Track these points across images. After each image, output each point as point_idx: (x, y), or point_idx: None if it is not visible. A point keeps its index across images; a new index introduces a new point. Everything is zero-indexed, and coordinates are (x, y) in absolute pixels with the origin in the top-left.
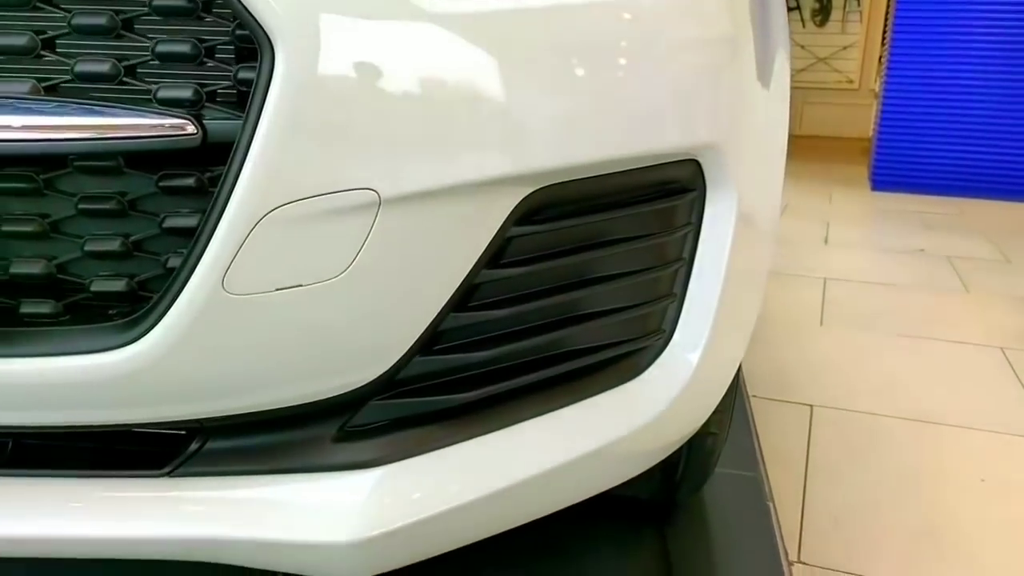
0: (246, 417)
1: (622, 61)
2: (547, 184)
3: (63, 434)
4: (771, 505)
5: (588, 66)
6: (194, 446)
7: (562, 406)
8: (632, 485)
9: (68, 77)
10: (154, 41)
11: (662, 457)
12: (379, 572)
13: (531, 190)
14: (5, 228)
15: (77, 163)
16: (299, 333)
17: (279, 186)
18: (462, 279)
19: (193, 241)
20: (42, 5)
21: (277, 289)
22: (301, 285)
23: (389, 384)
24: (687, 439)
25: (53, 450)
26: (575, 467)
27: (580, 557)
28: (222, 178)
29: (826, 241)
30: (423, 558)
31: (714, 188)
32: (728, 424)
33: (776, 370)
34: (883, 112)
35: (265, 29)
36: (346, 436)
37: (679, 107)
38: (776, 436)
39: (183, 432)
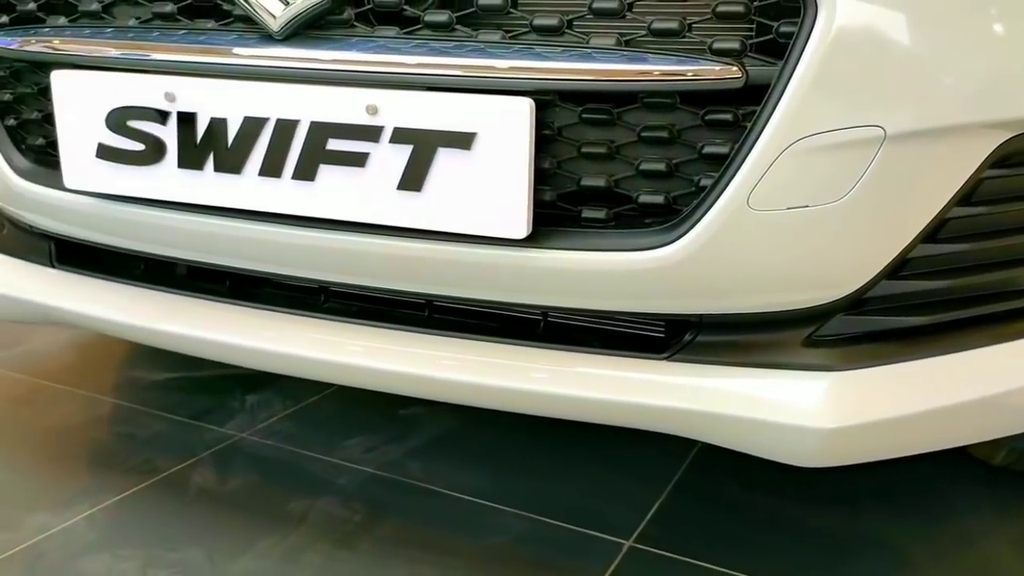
0: (736, 317)
1: None
2: None
3: (586, 321)
4: None
5: None
6: (688, 337)
7: (1011, 339)
8: None
9: (644, 33)
10: (715, 2)
11: None
12: (837, 463)
13: (1009, 135)
14: (584, 150)
15: (645, 100)
16: (798, 247)
17: (804, 121)
18: (936, 213)
19: (725, 165)
20: None
21: (788, 208)
22: (807, 206)
23: (856, 302)
24: None
25: (573, 329)
26: (1013, 399)
27: (962, 513)
28: (756, 114)
29: None
30: (875, 458)
31: None
32: None
33: None
34: None
35: None
36: (814, 343)
37: None
38: None
39: (685, 323)
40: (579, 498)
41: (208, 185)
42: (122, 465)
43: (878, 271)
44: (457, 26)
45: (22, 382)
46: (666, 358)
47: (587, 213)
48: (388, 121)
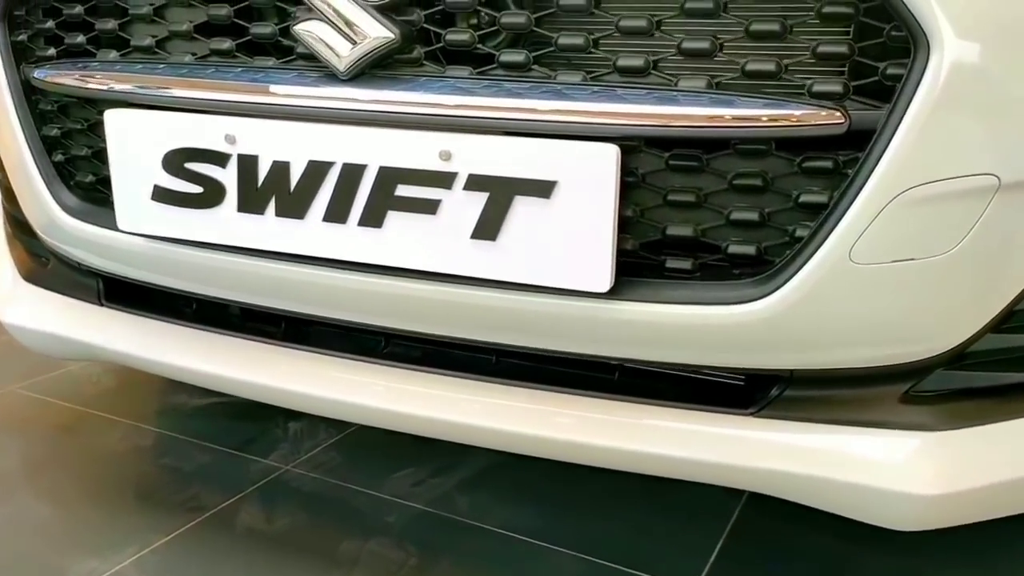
0: (829, 372)
1: None
2: None
3: (661, 369)
4: None
5: None
6: (775, 391)
7: None
8: None
9: (736, 74)
10: (815, 43)
11: None
12: (938, 527)
13: None
14: (671, 198)
15: (739, 146)
16: (901, 301)
17: (913, 170)
18: None
19: (824, 215)
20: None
21: (893, 261)
22: (913, 259)
23: (959, 356)
24: None
25: (651, 379)
26: None
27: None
28: (860, 161)
29: None
30: (981, 519)
31: None
32: None
33: None
34: None
35: (925, 31)
36: (912, 399)
37: None
38: None
39: (773, 377)
40: (632, 538)
41: (269, 230)
42: (168, 501)
43: (984, 324)
44: (534, 66)
45: (62, 410)
46: (752, 413)
47: (672, 263)
48: (462, 167)
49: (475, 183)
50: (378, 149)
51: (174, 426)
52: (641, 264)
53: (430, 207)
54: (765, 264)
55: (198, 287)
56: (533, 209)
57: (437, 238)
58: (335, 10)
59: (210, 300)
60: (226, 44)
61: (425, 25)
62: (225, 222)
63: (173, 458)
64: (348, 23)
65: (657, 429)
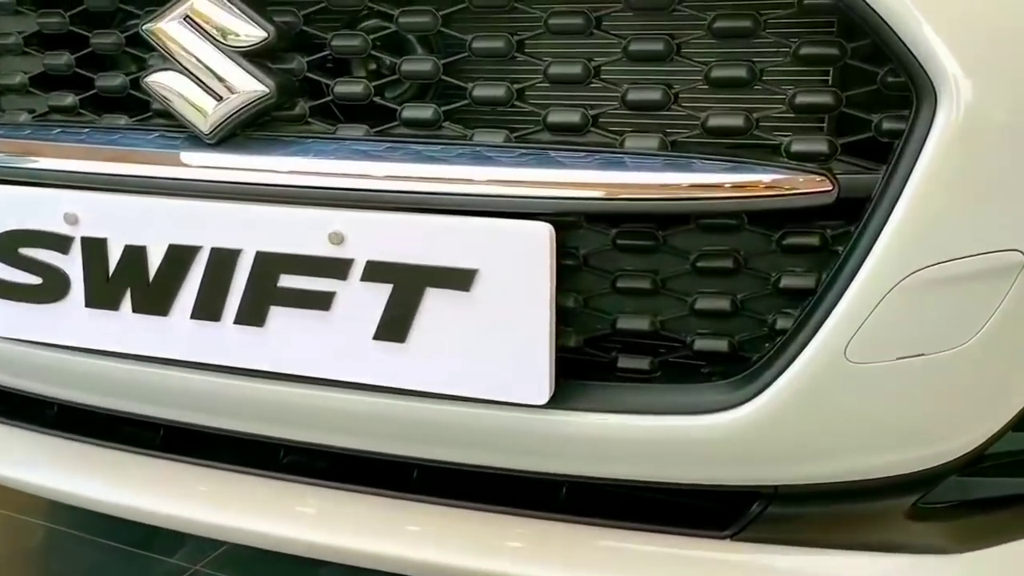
0: (822, 485)
1: None
2: None
3: (624, 485)
4: None
5: None
6: (756, 508)
7: None
8: None
9: (696, 130)
10: (792, 92)
11: None
12: None
13: None
14: (621, 284)
15: (702, 221)
16: (905, 403)
17: (922, 247)
18: None
19: (811, 303)
20: (680, 59)
21: (898, 358)
22: (922, 355)
23: (976, 459)
24: None
25: (610, 498)
26: None
27: None
28: (853, 237)
29: None
30: None
31: None
32: None
33: None
34: None
35: (930, 75)
36: (921, 514)
37: None
38: None
39: (750, 494)
40: None
41: (126, 329)
42: None
43: (1005, 422)
44: (446, 124)
45: None
46: (729, 536)
47: (625, 362)
48: (358, 253)
49: (376, 272)
50: (254, 230)
51: (66, 519)
52: (587, 363)
53: (322, 301)
54: (739, 362)
55: (51, 390)
56: (449, 303)
57: (332, 339)
58: (195, 58)
59: (69, 405)
60: (68, 99)
61: (310, 74)
62: (71, 319)
63: (64, 559)
64: (211, 74)
65: (616, 553)
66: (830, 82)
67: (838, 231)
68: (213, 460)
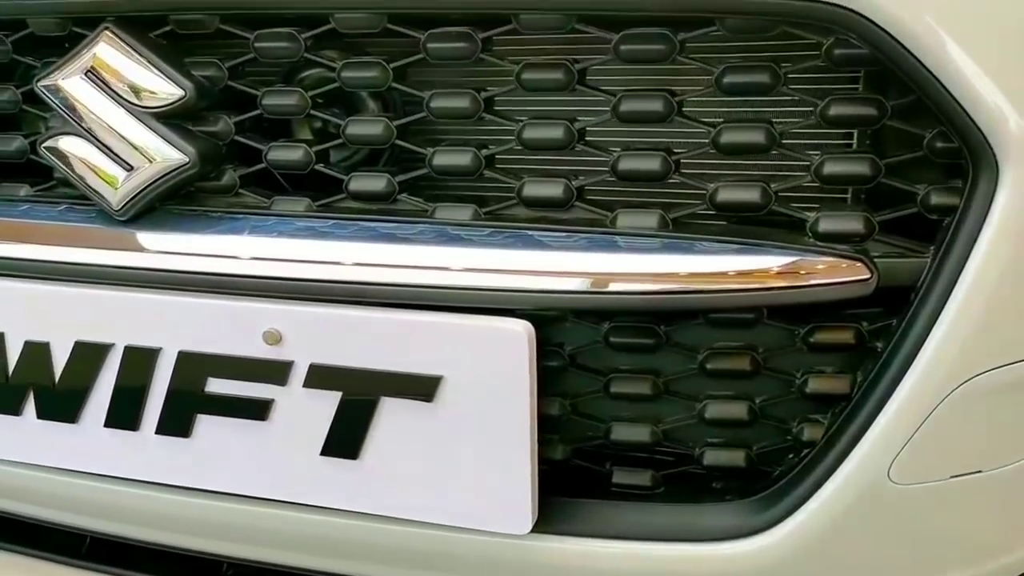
0: None
1: None
2: None
3: None
4: None
5: None
6: None
7: None
8: None
9: (703, 206)
10: (818, 159)
11: None
12: None
13: None
14: (615, 388)
15: (713, 315)
16: (961, 523)
17: (982, 346)
18: None
19: (845, 411)
20: (682, 120)
21: (952, 477)
22: (981, 471)
23: None
24: None
25: None
26: None
27: None
28: (897, 333)
29: None
30: None
31: None
32: None
33: None
34: None
35: (991, 143)
36: None
37: None
38: None
39: None
40: None
41: (30, 437)
42: None
43: None
44: (402, 197)
45: None
46: None
47: (621, 477)
48: (299, 355)
49: (321, 378)
50: (176, 326)
51: None
52: (576, 477)
53: (258, 410)
54: (758, 477)
55: None
56: (409, 415)
57: (272, 455)
58: (100, 120)
59: None
60: None
61: (239, 138)
62: None
63: None
64: (120, 139)
65: None
66: (855, 144)
67: (876, 324)
68: (145, 573)
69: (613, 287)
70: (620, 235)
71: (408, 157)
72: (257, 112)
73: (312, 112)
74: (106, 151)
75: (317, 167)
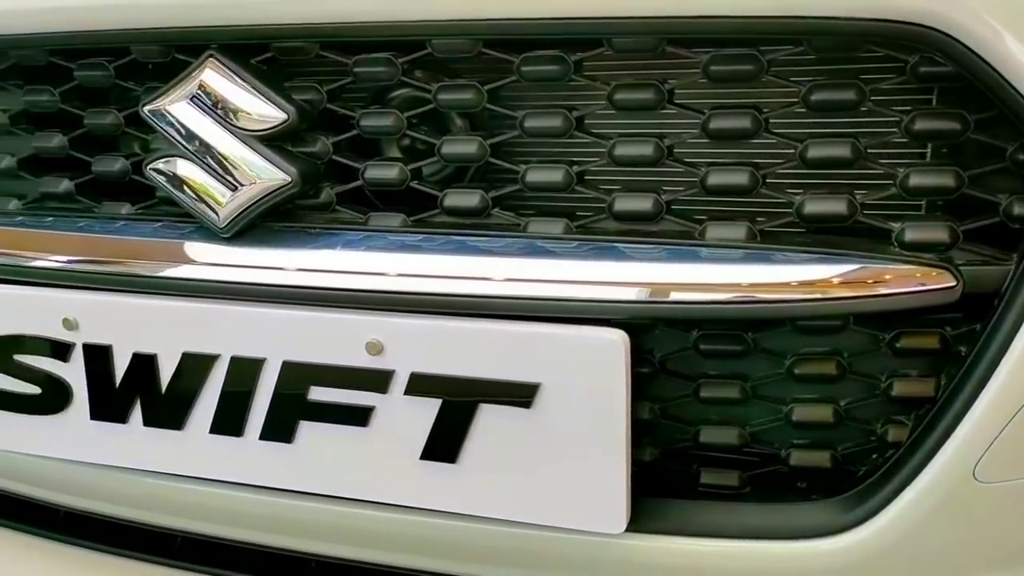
0: None
1: None
2: None
3: None
4: None
5: None
6: None
7: None
8: None
9: (788, 217)
10: (904, 172)
11: None
12: None
13: None
14: (705, 393)
15: (800, 322)
16: None
17: None
18: None
19: (932, 412)
20: (769, 135)
21: None
22: None
23: None
24: None
25: None
26: None
27: None
28: (982, 337)
29: None
30: None
31: None
32: None
33: None
34: None
35: None
36: None
37: None
38: None
39: None
40: None
41: (136, 444)
42: None
43: None
44: (495, 212)
45: None
46: None
47: (709, 477)
48: (399, 364)
49: (421, 385)
50: (279, 337)
51: None
52: (665, 478)
53: (359, 417)
54: (843, 477)
55: (57, 497)
56: (507, 421)
57: (372, 459)
58: (203, 143)
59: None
60: (63, 185)
61: (336, 157)
62: (76, 432)
63: None
64: (225, 161)
65: None
66: (928, 156)
67: (960, 329)
68: (235, 572)
69: (704, 297)
70: (706, 247)
71: (495, 173)
72: (354, 132)
73: (406, 132)
74: (212, 172)
75: (412, 184)
